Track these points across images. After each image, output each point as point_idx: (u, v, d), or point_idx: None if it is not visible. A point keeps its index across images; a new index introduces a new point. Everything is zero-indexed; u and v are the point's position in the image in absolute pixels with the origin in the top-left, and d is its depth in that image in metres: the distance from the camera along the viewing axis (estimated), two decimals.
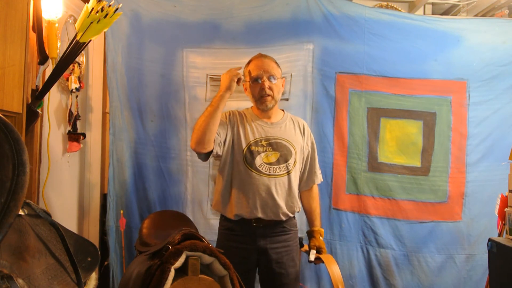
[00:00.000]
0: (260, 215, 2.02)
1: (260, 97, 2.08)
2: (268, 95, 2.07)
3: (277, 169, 2.05)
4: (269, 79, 2.08)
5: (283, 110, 2.23)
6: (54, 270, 1.18)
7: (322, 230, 2.18)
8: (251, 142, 2.06)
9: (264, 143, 2.07)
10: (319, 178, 2.24)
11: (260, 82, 2.08)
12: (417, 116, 2.77)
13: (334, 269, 1.96)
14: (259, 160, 2.04)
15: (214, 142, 1.99)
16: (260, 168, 2.03)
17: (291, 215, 2.11)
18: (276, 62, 2.16)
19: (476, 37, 2.79)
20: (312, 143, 2.22)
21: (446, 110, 2.77)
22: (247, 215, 2.03)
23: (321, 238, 2.13)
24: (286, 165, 2.06)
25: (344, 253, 2.71)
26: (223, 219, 2.14)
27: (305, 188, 2.21)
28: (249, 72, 2.13)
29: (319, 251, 2.11)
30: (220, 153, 2.06)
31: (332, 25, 2.72)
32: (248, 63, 2.17)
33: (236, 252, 2.00)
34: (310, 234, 2.18)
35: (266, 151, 2.05)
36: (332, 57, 2.73)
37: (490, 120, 2.77)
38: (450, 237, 2.74)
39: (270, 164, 2.05)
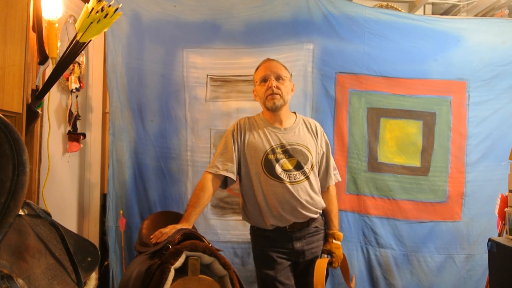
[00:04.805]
0: (293, 219, 2.05)
1: (268, 96, 2.07)
2: (276, 94, 2.06)
3: (297, 175, 2.05)
4: (276, 79, 2.08)
5: (295, 113, 2.22)
6: (54, 270, 1.18)
7: (339, 233, 2.16)
8: (268, 150, 2.06)
9: (279, 150, 2.06)
10: (333, 179, 2.22)
11: (267, 82, 2.08)
12: (417, 116, 2.77)
13: (317, 275, 1.97)
14: (278, 169, 2.04)
15: (227, 170, 2.04)
16: (281, 176, 2.03)
17: (320, 211, 2.13)
18: (284, 66, 2.15)
19: (476, 37, 2.79)
20: (326, 144, 2.20)
21: (446, 110, 2.77)
22: (281, 224, 2.05)
23: (335, 241, 2.12)
24: (303, 170, 2.06)
25: (344, 253, 2.67)
26: (256, 229, 2.14)
27: (322, 190, 2.19)
28: (257, 76, 2.13)
29: (330, 255, 2.11)
30: (235, 178, 2.08)
31: (332, 25, 2.72)
32: (257, 68, 2.17)
33: (275, 256, 2.04)
34: (325, 237, 2.18)
35: (283, 158, 2.05)
36: (332, 57, 2.73)
37: (490, 120, 2.77)
38: (450, 237, 2.74)
39: (289, 171, 2.04)
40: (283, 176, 2.03)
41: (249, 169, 2.08)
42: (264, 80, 2.09)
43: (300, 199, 2.03)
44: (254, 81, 2.18)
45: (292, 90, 2.17)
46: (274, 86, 2.06)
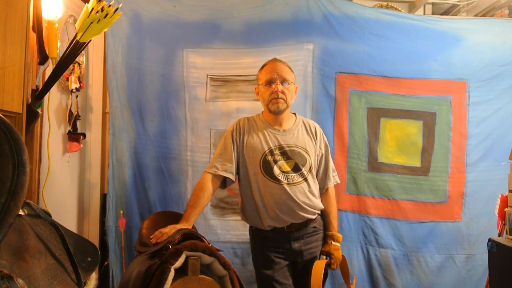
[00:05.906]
0: (291, 220, 2.05)
1: (272, 99, 2.06)
2: (281, 99, 2.05)
3: (295, 177, 2.05)
4: (282, 83, 2.06)
5: (295, 114, 2.21)
6: (54, 270, 1.18)
7: (338, 235, 2.15)
8: (266, 152, 2.06)
9: (278, 152, 2.06)
10: (332, 181, 2.21)
11: (272, 85, 2.06)
12: (417, 116, 2.77)
13: (314, 277, 1.96)
14: (276, 170, 2.03)
15: (226, 171, 2.05)
16: (279, 177, 2.03)
17: (318, 212, 2.13)
18: (290, 68, 2.14)
19: (476, 37, 2.79)
20: (325, 146, 2.20)
21: (446, 110, 2.77)
22: (278, 225, 2.05)
23: (334, 243, 2.12)
24: (301, 172, 2.06)
25: (344, 253, 2.67)
26: (254, 229, 2.14)
27: (320, 192, 2.19)
28: (262, 76, 2.11)
29: (329, 256, 2.11)
30: (234, 179, 2.09)
31: (332, 25, 2.72)
32: (262, 67, 2.15)
33: (272, 255, 2.05)
34: (324, 238, 2.17)
35: (281, 160, 2.05)
36: (332, 57, 2.73)
37: (490, 120, 2.77)
38: (450, 237, 2.74)
39: (287, 172, 2.04)
40: (281, 177, 2.03)
41: (247, 169, 2.08)
42: (270, 83, 2.07)
43: (298, 201, 2.03)
44: (257, 79, 2.16)
45: (295, 92, 2.16)
46: (280, 91, 2.05)
